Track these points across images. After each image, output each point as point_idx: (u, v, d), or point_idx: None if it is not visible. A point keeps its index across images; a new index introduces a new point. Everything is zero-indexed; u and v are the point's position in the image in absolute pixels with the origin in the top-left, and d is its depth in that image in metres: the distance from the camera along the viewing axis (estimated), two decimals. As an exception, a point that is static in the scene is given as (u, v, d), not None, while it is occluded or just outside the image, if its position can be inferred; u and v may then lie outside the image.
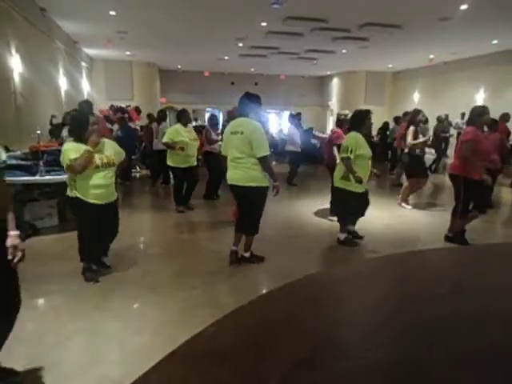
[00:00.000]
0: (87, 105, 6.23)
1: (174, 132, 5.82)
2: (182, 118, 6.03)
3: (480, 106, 4.58)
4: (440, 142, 10.99)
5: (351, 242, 4.45)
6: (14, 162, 4.81)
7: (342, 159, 4.20)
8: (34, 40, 8.00)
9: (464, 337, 2.21)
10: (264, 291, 3.29)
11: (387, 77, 18.33)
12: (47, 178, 4.79)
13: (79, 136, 3.28)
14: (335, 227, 4.73)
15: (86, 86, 13.20)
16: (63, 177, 4.94)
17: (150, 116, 10.10)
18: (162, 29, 10.20)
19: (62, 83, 9.93)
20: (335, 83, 19.48)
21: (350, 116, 5.67)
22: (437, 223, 5.43)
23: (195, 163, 6.09)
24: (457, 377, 1.68)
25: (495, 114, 6.14)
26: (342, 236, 4.45)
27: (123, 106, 11.22)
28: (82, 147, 3.21)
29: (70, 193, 3.38)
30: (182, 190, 6.11)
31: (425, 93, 16.59)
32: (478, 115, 4.30)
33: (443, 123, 11.71)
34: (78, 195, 3.30)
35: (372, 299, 3.37)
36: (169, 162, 6.02)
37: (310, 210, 6.19)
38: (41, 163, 4.73)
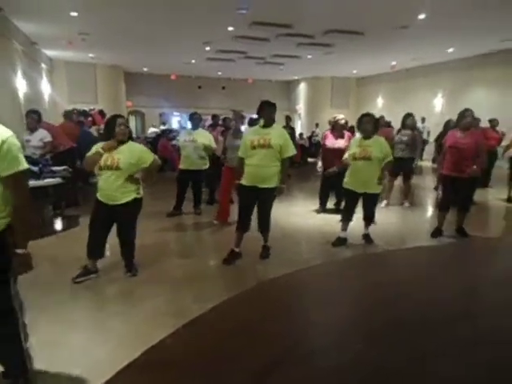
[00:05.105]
0: (35, 114, 5.97)
1: None
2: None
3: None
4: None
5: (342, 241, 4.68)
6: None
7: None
8: (-11, 40, 7.63)
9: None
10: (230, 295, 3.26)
11: (352, 82, 18.84)
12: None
13: (109, 137, 3.38)
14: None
15: (46, 89, 12.72)
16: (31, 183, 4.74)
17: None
18: (127, 30, 10.00)
19: (20, 85, 9.51)
20: (302, 88, 19.80)
21: (341, 119, 6.01)
22: (414, 220, 6.12)
23: (198, 167, 5.76)
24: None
25: (452, 117, 6.44)
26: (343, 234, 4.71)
27: (86, 109, 10.88)
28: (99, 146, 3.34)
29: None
30: (181, 194, 5.91)
31: (388, 97, 17.22)
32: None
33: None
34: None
35: (340, 300, 3.42)
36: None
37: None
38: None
